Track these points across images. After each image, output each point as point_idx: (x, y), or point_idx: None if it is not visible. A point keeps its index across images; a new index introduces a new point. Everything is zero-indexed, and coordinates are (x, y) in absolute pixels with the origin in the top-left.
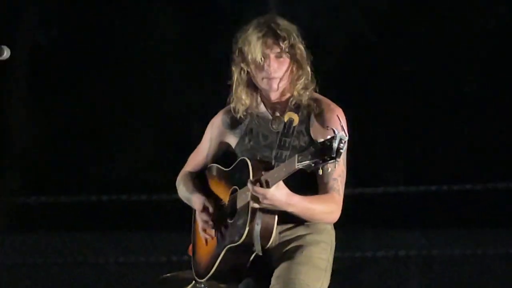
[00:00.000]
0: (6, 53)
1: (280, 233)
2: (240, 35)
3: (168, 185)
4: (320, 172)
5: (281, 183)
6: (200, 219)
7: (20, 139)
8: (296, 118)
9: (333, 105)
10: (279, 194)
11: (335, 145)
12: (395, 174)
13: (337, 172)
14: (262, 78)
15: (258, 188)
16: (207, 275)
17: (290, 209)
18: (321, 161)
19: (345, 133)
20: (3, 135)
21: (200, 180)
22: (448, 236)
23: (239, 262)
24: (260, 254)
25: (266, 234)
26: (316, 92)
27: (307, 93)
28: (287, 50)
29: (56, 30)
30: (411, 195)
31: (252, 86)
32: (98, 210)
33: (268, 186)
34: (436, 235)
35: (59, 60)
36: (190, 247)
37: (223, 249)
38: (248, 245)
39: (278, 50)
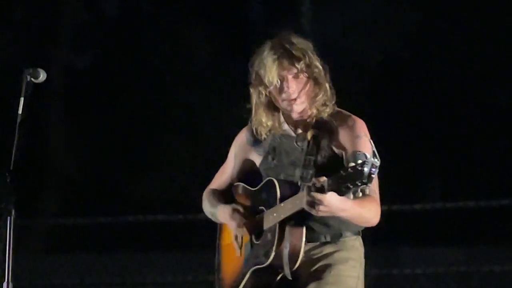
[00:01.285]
0: (42, 76)
1: (307, 251)
2: (255, 58)
3: None
4: (351, 196)
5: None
6: (233, 221)
7: (57, 161)
8: (319, 135)
9: (354, 117)
10: (335, 200)
11: (366, 170)
12: (432, 190)
13: None
14: (282, 100)
15: (316, 194)
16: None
17: (342, 214)
18: (352, 186)
19: (377, 158)
20: (40, 157)
21: (225, 197)
22: (487, 252)
23: (265, 282)
24: (289, 277)
25: (293, 257)
26: (336, 105)
27: (327, 109)
28: (304, 69)
29: (91, 52)
30: (449, 211)
31: (272, 106)
32: (135, 230)
33: (323, 192)
34: (475, 251)
35: (95, 82)
36: None
37: (249, 269)
38: (274, 267)
39: (295, 70)
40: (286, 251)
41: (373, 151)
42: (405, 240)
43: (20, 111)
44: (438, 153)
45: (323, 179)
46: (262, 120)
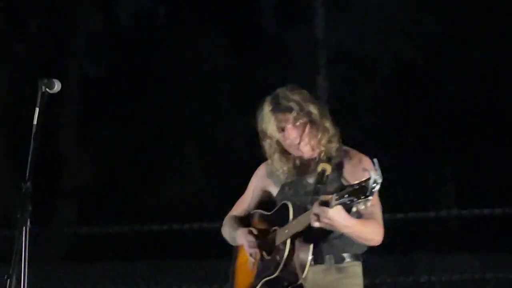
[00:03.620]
0: (57, 86)
1: (311, 275)
2: (258, 114)
3: (220, 213)
4: (355, 209)
5: (339, 206)
6: (247, 242)
7: (72, 170)
8: (328, 168)
9: (361, 155)
10: (338, 215)
11: (369, 185)
12: (447, 197)
13: (374, 199)
14: (289, 147)
15: (320, 207)
16: None
17: (345, 230)
18: (355, 199)
19: (380, 175)
20: (55, 167)
21: (243, 223)
22: (502, 259)
23: None
24: (303, 281)
25: (301, 268)
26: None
27: (332, 144)
28: (299, 117)
29: (106, 62)
30: (464, 218)
31: (284, 151)
32: (151, 240)
33: (328, 206)
34: (490, 258)
35: (110, 91)
36: None
37: (260, 282)
38: (281, 279)
39: (291, 119)
40: (295, 264)
41: (376, 169)
42: (420, 247)
43: (35, 122)
44: (453, 160)
45: (330, 196)
46: (277, 166)
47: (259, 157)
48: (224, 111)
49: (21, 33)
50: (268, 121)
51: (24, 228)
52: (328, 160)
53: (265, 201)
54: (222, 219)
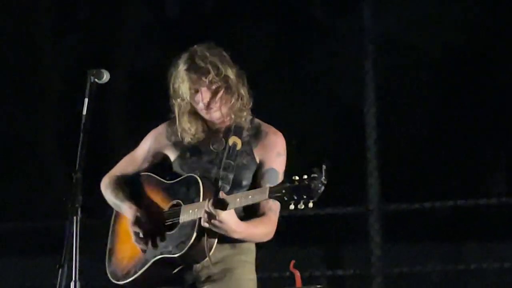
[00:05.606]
0: (106, 77)
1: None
2: (171, 71)
3: None
4: (292, 207)
5: (232, 210)
6: (133, 230)
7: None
8: (239, 142)
9: (274, 129)
10: (229, 220)
11: (316, 187)
12: (498, 185)
13: None
14: (200, 110)
15: (212, 209)
16: (126, 279)
17: (234, 235)
18: (296, 198)
19: (325, 177)
20: (103, 157)
21: (131, 186)
22: None
23: (162, 274)
24: (212, 264)
25: (206, 250)
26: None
27: (244, 113)
28: (214, 80)
29: (154, 53)
30: None
31: (195, 114)
32: None
33: (225, 208)
34: None
35: (158, 82)
36: (292, 263)
37: (153, 258)
38: (182, 259)
39: (207, 82)
40: (200, 246)
41: (324, 169)
42: (471, 235)
43: (84, 112)
44: (503, 147)
45: (227, 196)
46: (185, 127)
47: (310, 144)
48: (272, 101)
49: (70, 24)
50: (181, 81)
51: (75, 218)
52: (239, 134)
53: (158, 164)
54: None
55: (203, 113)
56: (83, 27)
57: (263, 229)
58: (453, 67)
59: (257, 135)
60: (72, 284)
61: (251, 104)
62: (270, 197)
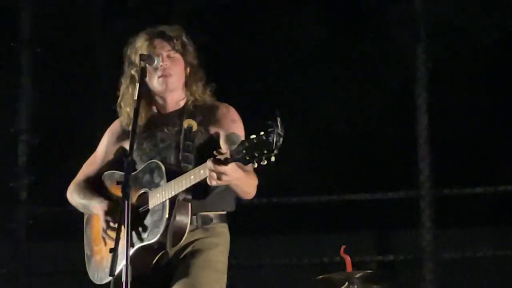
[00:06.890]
0: (157, 62)
1: None
2: (127, 47)
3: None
4: (256, 165)
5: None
6: (104, 220)
7: None
8: (194, 124)
9: (228, 105)
10: (234, 170)
11: (274, 139)
12: None
13: None
14: (158, 77)
15: (220, 167)
16: (108, 277)
17: (236, 182)
18: (258, 155)
19: (282, 129)
20: None
21: (97, 187)
22: None
23: (145, 262)
24: (171, 254)
25: (180, 232)
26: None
27: (199, 90)
28: (178, 48)
29: (203, 38)
30: None
31: (145, 97)
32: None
33: (226, 164)
34: None
35: (206, 69)
36: (343, 248)
37: (134, 248)
38: (159, 244)
39: (169, 48)
40: (173, 228)
41: (279, 122)
42: None
43: (135, 97)
44: None
45: (225, 152)
46: (128, 110)
47: (358, 132)
48: (324, 86)
49: (120, 10)
50: (141, 46)
51: (126, 202)
52: (193, 116)
53: (120, 160)
54: (325, 193)
55: (160, 81)
56: (132, 13)
57: (254, 181)
58: (507, 51)
59: (210, 112)
60: (123, 268)
61: (204, 80)
62: (232, 161)
